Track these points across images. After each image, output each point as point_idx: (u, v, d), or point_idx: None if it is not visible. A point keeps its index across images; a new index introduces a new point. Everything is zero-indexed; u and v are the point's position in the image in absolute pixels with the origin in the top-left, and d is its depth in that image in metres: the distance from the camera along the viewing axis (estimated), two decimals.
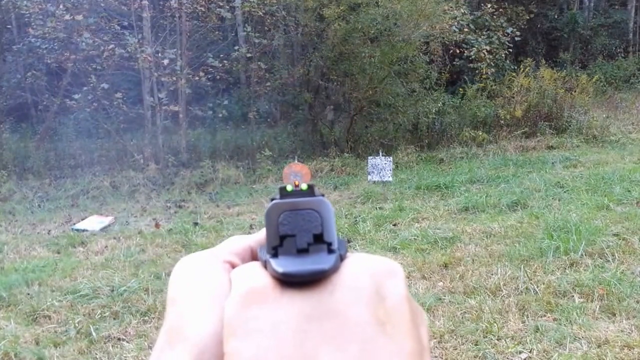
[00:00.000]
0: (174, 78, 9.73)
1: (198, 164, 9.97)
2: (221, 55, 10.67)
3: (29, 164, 10.65)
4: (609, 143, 10.22)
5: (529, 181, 7.50)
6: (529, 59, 12.95)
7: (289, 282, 0.29)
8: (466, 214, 6.22)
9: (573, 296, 3.86)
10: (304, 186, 0.32)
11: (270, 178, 9.40)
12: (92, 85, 9.67)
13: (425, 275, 4.46)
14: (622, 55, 16.99)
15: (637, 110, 12.87)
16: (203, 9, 10.54)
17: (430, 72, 11.68)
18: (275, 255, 0.30)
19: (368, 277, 0.30)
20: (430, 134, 11.15)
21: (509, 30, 13.48)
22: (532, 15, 16.24)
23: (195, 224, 6.63)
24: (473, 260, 4.68)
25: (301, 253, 0.30)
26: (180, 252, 5.43)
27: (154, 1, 10.58)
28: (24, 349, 3.63)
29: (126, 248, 5.72)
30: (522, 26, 15.13)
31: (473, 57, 12.60)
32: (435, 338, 3.44)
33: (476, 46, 12.55)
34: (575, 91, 11.69)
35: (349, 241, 5.51)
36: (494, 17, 13.68)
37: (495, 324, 3.54)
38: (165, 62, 9.59)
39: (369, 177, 7.59)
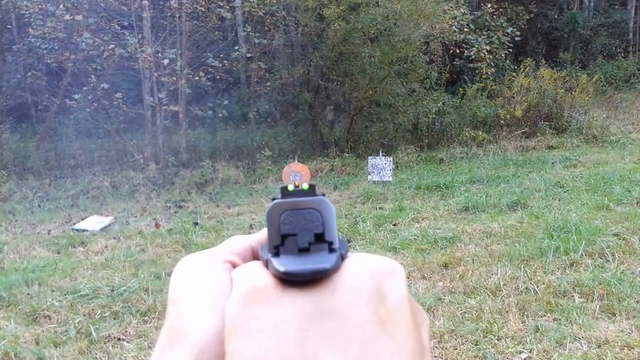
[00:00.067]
0: (174, 78, 9.74)
1: (198, 164, 9.97)
2: (221, 55, 10.67)
3: (29, 164, 10.65)
4: (609, 143, 10.22)
5: (529, 181, 7.50)
6: (529, 59, 12.95)
7: (290, 281, 0.29)
8: (466, 214, 6.22)
9: (573, 296, 3.86)
10: (305, 186, 0.32)
11: (270, 178, 9.40)
12: (92, 85, 9.67)
13: (425, 275, 4.46)
14: (622, 55, 16.99)
15: (637, 110, 12.87)
16: (203, 9, 10.54)
17: (430, 72, 11.68)
18: (276, 254, 0.30)
19: (369, 276, 0.30)
20: (430, 134, 11.15)
21: (509, 30, 13.48)
22: (532, 15, 16.24)
23: (195, 224, 6.63)
24: (473, 260, 4.68)
25: (302, 252, 0.30)
26: (180, 252, 5.43)
27: (154, 1, 10.58)
28: (24, 349, 3.63)
29: (126, 248, 5.72)
30: (522, 26, 15.13)
31: (473, 57, 12.60)
32: (435, 338, 3.44)
33: (476, 46, 12.55)
34: (575, 91, 11.69)
35: (349, 241, 5.51)
36: (494, 17, 13.68)
37: (495, 324, 3.54)
38: (165, 62, 9.59)
39: (369, 177, 7.59)
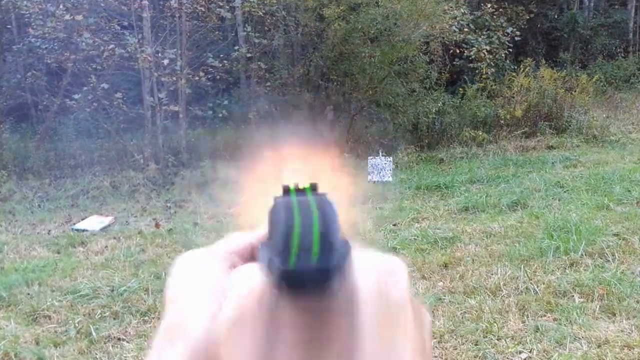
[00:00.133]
0: (174, 78, 9.73)
1: (198, 164, 9.97)
2: (221, 55, 10.67)
3: (29, 164, 10.65)
4: (609, 143, 10.21)
5: (529, 181, 7.50)
6: (529, 58, 12.94)
7: (291, 283, 0.28)
8: (466, 214, 6.22)
9: (573, 296, 3.86)
10: (306, 185, 0.32)
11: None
12: (92, 85, 9.66)
13: (425, 275, 4.46)
14: (622, 55, 16.98)
15: (637, 110, 12.87)
16: (203, 9, 10.54)
17: (430, 72, 11.68)
18: (277, 254, 0.29)
19: (371, 277, 0.30)
20: (430, 134, 11.14)
21: (509, 30, 13.47)
22: (532, 15, 16.23)
23: (195, 224, 6.63)
24: (473, 260, 4.68)
25: (305, 252, 0.29)
26: (180, 252, 5.41)
27: (154, 1, 10.58)
28: (24, 349, 3.63)
29: (126, 248, 5.72)
30: (522, 26, 15.12)
31: (473, 57, 12.59)
32: (435, 338, 3.44)
33: (476, 46, 12.54)
34: (575, 91, 11.69)
35: None
36: (494, 17, 13.68)
37: (495, 324, 3.54)
38: (165, 62, 9.59)
39: (369, 177, 7.59)
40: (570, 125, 10.97)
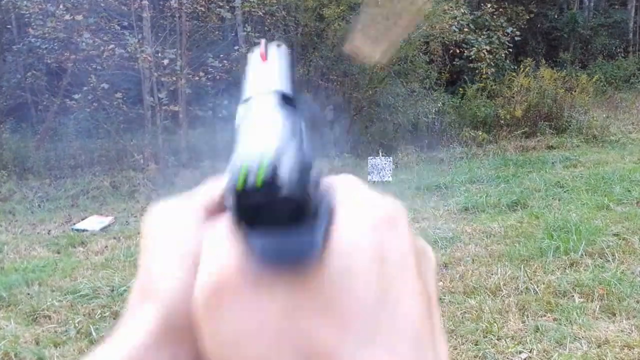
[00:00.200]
0: (174, 78, 9.73)
1: (198, 164, 9.97)
2: (221, 55, 10.67)
3: (29, 164, 10.65)
4: (609, 143, 10.21)
5: (529, 181, 7.50)
6: (529, 58, 12.95)
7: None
8: (466, 214, 6.22)
9: (573, 296, 3.86)
10: (258, 181, 0.25)
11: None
12: (92, 85, 9.66)
13: None
14: (622, 55, 16.98)
15: (637, 110, 12.87)
16: (203, 9, 10.54)
17: (430, 72, 11.68)
18: (249, 231, 0.25)
19: (368, 234, 0.26)
20: (430, 134, 11.14)
21: (509, 30, 13.47)
22: (532, 15, 16.24)
23: None
24: (473, 260, 4.68)
25: (280, 231, 0.25)
26: None
27: (154, 1, 10.58)
28: (24, 349, 3.63)
29: (126, 248, 5.72)
30: (522, 26, 15.12)
31: (473, 57, 12.59)
32: None
33: (476, 46, 12.54)
34: (575, 91, 11.69)
35: None
36: (494, 17, 13.68)
37: (495, 324, 3.54)
38: (165, 62, 9.59)
39: (369, 177, 7.58)
40: (570, 125, 10.97)
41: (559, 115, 11.21)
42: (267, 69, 0.32)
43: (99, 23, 9.84)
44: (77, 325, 3.91)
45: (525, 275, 4.22)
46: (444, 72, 12.30)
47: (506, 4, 15.24)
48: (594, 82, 12.56)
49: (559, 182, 7.29)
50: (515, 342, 3.35)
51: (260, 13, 10.98)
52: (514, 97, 11.49)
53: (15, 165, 10.45)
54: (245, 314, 0.25)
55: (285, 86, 0.31)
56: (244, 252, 0.26)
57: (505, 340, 3.37)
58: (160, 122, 10.28)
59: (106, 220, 7.08)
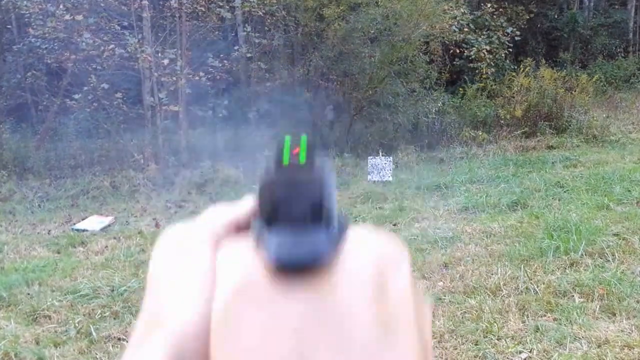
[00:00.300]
0: (174, 78, 9.73)
1: (198, 164, 9.97)
2: (221, 55, 10.67)
3: (29, 164, 10.65)
4: (609, 143, 10.21)
5: (529, 181, 7.50)
6: (529, 58, 12.95)
7: (284, 270, 0.26)
8: (466, 214, 6.22)
9: (573, 296, 3.86)
10: (301, 158, 0.29)
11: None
12: (92, 85, 9.66)
13: (425, 275, 4.46)
14: (622, 55, 16.99)
15: (637, 110, 12.87)
16: (203, 9, 10.54)
17: (430, 72, 11.69)
18: (268, 230, 0.27)
19: (372, 267, 0.27)
20: (430, 134, 11.15)
21: (509, 30, 13.48)
22: (532, 15, 16.24)
23: None
24: (473, 260, 4.68)
25: (298, 229, 0.27)
26: None
27: (154, 1, 10.58)
28: (24, 348, 3.63)
29: (126, 248, 5.72)
30: (522, 26, 15.13)
31: (473, 57, 12.60)
32: (435, 338, 3.44)
33: (476, 46, 12.55)
34: (575, 91, 11.69)
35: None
36: (494, 16, 13.69)
37: (495, 324, 3.54)
38: (165, 62, 9.59)
39: (369, 177, 7.59)
40: (570, 125, 10.97)
41: (559, 115, 11.21)
42: None
43: (99, 23, 9.84)
44: (77, 325, 3.91)
45: (525, 275, 4.22)
46: (444, 72, 12.31)
47: (506, 4, 15.24)
48: (594, 82, 12.56)
49: (559, 182, 7.29)
50: (515, 342, 3.35)
51: (260, 13, 10.98)
52: (514, 97, 11.50)
53: (15, 165, 10.45)
54: (260, 332, 0.25)
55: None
56: (259, 262, 0.26)
57: (505, 340, 3.37)
58: (160, 122, 10.28)
59: (106, 220, 7.08)
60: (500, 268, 4.39)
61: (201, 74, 10.04)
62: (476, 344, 3.35)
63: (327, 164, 0.30)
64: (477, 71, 12.54)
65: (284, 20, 11.38)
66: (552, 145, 10.26)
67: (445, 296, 4.03)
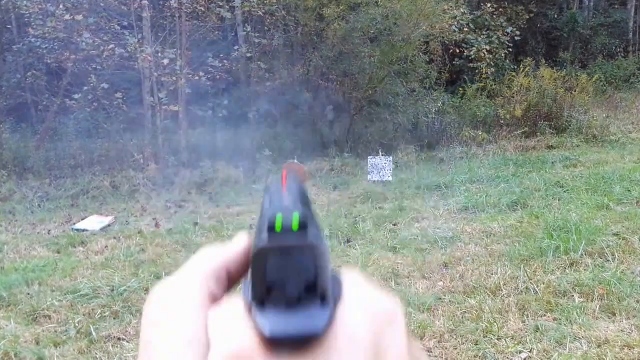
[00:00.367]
0: (174, 78, 9.73)
1: (198, 164, 9.96)
2: (221, 55, 10.67)
3: (29, 164, 10.65)
4: (609, 143, 10.21)
5: (529, 181, 7.50)
6: (529, 58, 12.95)
7: (279, 345, 0.26)
8: (466, 214, 6.22)
9: (573, 296, 3.86)
10: (295, 225, 0.29)
11: (271, 178, 9.39)
12: (92, 85, 9.66)
13: (425, 275, 4.46)
14: (622, 55, 16.99)
15: (637, 110, 12.87)
16: (203, 9, 10.54)
17: (430, 72, 11.69)
18: (261, 305, 0.27)
19: (367, 326, 0.27)
20: (430, 133, 11.15)
21: (509, 30, 13.49)
22: (532, 15, 16.24)
23: (196, 224, 6.63)
24: (473, 260, 4.68)
25: (291, 305, 0.27)
26: (180, 252, 5.43)
27: (154, 1, 10.58)
28: (24, 348, 3.63)
29: (126, 248, 5.72)
30: (522, 26, 15.13)
31: (473, 57, 12.60)
32: (435, 338, 3.44)
33: (476, 46, 12.55)
34: (575, 91, 11.69)
35: (348, 241, 5.51)
36: (494, 16, 13.69)
37: (495, 324, 3.54)
38: (165, 62, 9.59)
39: (369, 177, 7.59)
40: (570, 125, 10.97)
41: (559, 115, 11.21)
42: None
43: (99, 23, 9.84)
44: (77, 325, 3.91)
45: (525, 275, 4.22)
46: (444, 72, 12.31)
47: (506, 4, 15.25)
48: (594, 82, 12.56)
49: (559, 182, 7.29)
50: (515, 342, 3.35)
51: (260, 13, 10.98)
52: (514, 97, 11.50)
53: (15, 165, 10.45)
54: None
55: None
56: (252, 332, 0.26)
57: (505, 340, 3.37)
58: (160, 122, 10.28)
59: (106, 220, 7.08)
60: (500, 268, 4.39)
61: (201, 74, 10.04)
62: (476, 344, 3.35)
63: (319, 231, 0.30)
64: (477, 71, 12.54)
65: (284, 20, 11.38)
66: (552, 145, 10.26)
67: (445, 296, 4.03)
